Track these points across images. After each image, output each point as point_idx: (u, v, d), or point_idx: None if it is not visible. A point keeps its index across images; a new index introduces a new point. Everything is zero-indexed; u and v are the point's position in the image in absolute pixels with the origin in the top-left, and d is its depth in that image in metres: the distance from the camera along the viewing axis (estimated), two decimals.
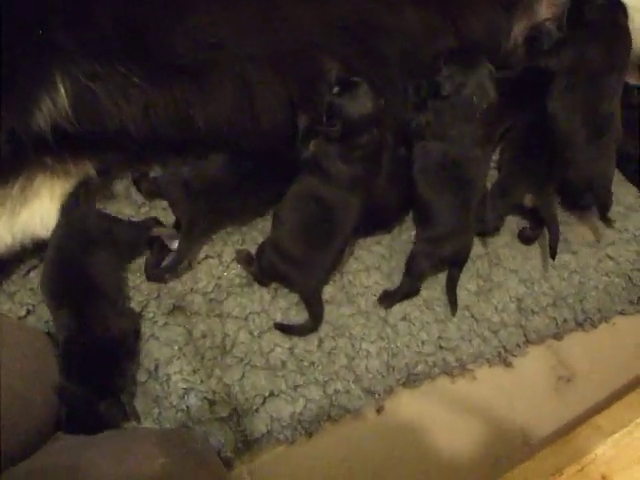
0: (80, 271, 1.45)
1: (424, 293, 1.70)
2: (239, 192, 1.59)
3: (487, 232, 1.78)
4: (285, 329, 1.61)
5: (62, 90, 1.39)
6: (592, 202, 1.83)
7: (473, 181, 1.65)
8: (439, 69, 1.60)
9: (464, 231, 1.64)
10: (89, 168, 1.56)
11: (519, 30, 1.81)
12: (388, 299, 1.66)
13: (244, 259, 1.63)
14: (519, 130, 1.85)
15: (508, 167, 1.83)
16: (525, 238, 1.82)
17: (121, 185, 1.65)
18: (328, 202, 1.54)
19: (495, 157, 1.91)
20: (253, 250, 1.65)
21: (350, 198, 1.54)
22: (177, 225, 1.60)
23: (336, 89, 1.49)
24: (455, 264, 1.67)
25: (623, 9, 1.83)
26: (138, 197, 1.68)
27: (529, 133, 1.84)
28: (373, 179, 1.58)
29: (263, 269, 1.60)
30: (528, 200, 1.78)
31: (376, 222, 1.69)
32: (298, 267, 1.56)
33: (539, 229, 1.81)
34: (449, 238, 1.63)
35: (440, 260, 1.65)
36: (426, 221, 1.66)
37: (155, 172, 1.69)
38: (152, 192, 1.66)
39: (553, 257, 1.75)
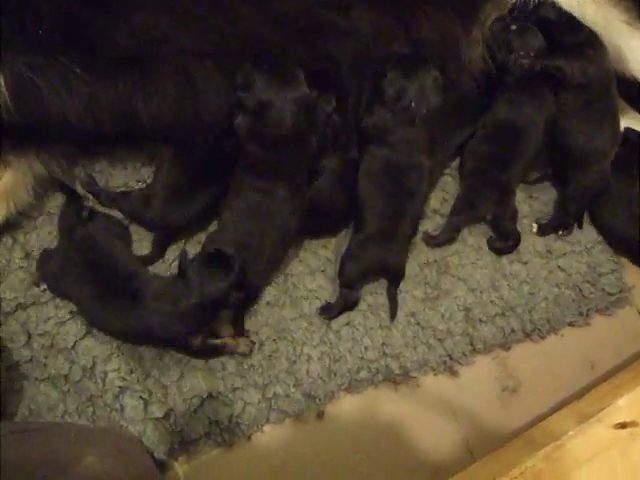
0: None
1: (369, 298, 1.68)
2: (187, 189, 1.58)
3: (440, 245, 1.77)
4: None
5: (2, 80, 1.36)
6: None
7: (414, 190, 1.62)
8: (385, 74, 1.58)
9: (392, 238, 1.60)
10: (31, 159, 1.53)
11: (479, 40, 1.79)
12: (328, 312, 1.64)
13: None
14: (479, 140, 1.82)
15: (470, 180, 1.80)
16: (496, 249, 1.80)
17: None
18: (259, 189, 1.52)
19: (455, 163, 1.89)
20: (194, 249, 1.63)
21: (273, 186, 1.51)
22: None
23: (265, 66, 1.46)
24: (386, 273, 1.64)
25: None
26: None
27: (489, 143, 1.80)
28: (294, 170, 1.53)
29: None
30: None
31: (322, 225, 1.67)
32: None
33: (507, 240, 1.79)
34: (373, 242, 1.59)
35: (367, 266, 1.61)
36: (358, 223, 1.63)
37: (101, 166, 1.67)
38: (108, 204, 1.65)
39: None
